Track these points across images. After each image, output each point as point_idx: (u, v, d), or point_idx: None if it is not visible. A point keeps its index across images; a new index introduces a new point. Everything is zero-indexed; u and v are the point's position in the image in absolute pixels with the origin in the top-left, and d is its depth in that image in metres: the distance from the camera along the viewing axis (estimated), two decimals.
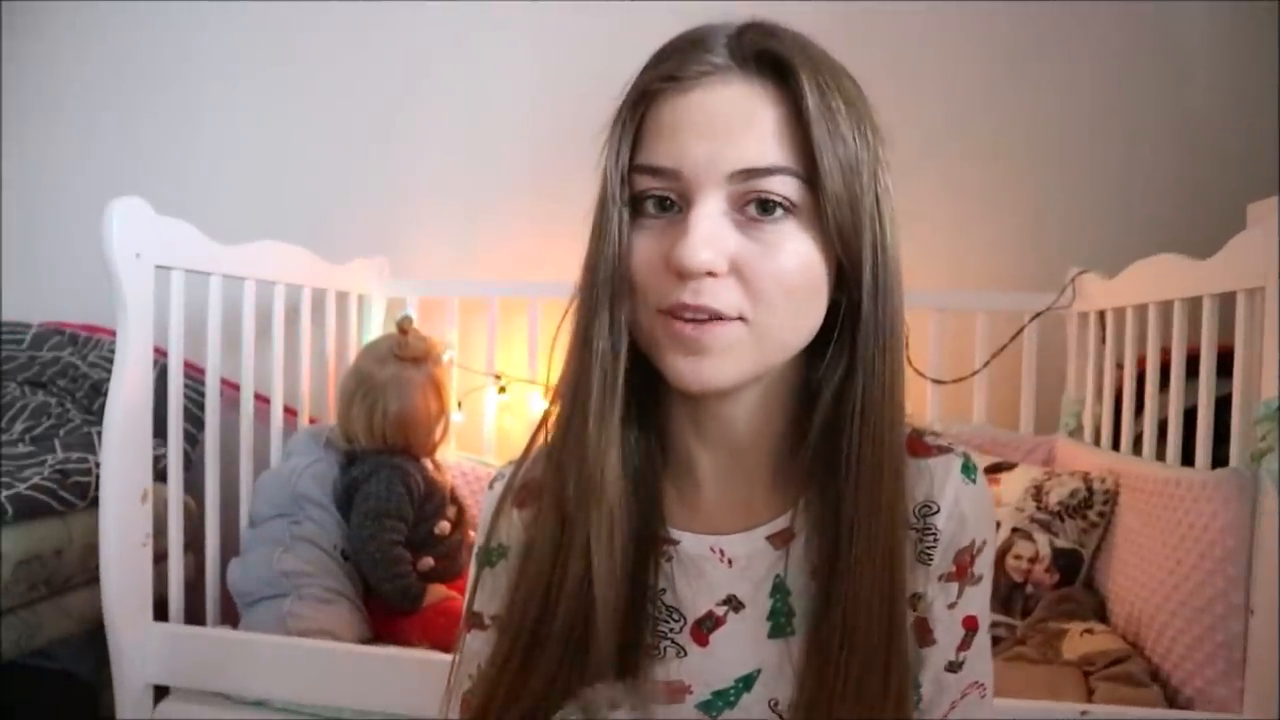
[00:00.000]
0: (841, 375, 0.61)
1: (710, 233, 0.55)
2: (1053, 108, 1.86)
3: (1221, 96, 1.78)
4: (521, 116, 2.06)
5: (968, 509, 0.62)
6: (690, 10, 0.63)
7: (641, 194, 0.58)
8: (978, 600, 0.64)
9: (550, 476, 0.63)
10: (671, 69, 0.58)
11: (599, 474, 0.60)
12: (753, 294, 0.56)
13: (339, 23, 2.13)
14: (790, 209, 0.57)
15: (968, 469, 0.63)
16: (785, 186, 0.56)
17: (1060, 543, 1.40)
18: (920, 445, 0.64)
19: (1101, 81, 1.84)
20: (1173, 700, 1.13)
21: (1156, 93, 1.82)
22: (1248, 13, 1.76)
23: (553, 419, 0.64)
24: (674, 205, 0.58)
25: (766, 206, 0.56)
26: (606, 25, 1.93)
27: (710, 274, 0.55)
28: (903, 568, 0.60)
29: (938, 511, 0.62)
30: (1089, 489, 1.41)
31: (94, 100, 2.26)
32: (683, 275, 0.55)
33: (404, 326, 1.56)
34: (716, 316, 0.56)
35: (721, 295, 0.56)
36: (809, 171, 0.56)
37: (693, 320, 0.56)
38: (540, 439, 0.65)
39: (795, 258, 0.57)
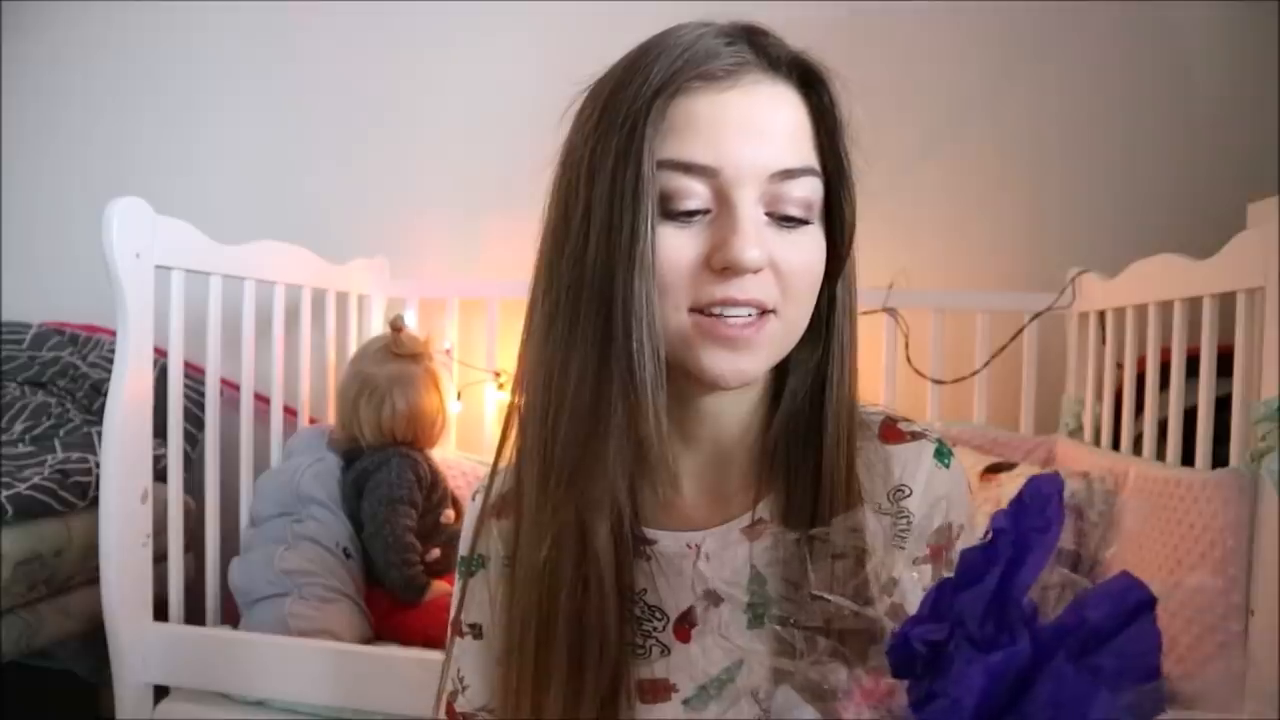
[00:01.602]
0: (818, 360, 0.63)
1: (756, 230, 0.56)
2: (1053, 108, 1.86)
3: (1221, 96, 1.78)
4: (521, 116, 2.05)
5: (941, 492, 0.63)
6: (692, 11, 0.62)
7: (670, 193, 0.57)
8: None
9: (571, 491, 0.60)
10: (697, 66, 0.57)
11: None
12: (784, 288, 0.58)
13: (339, 23, 2.13)
14: (811, 208, 0.59)
15: (941, 453, 0.65)
16: (813, 188, 0.59)
17: (1059, 543, 1.40)
18: (894, 432, 0.65)
19: (1101, 81, 1.84)
20: (1173, 700, 1.13)
21: (1156, 93, 1.81)
22: (1248, 13, 1.76)
23: (561, 428, 0.60)
24: (698, 209, 0.57)
25: (797, 206, 0.58)
26: (607, 25, 1.91)
27: (754, 270, 0.57)
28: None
29: (910, 494, 0.62)
30: (1089, 489, 1.41)
31: (94, 100, 2.26)
32: (732, 272, 0.56)
33: (396, 325, 1.59)
34: (761, 310, 0.57)
35: (759, 290, 0.57)
36: (824, 173, 0.60)
37: (736, 318, 0.57)
38: (509, 447, 0.65)
39: (816, 252, 0.60)
